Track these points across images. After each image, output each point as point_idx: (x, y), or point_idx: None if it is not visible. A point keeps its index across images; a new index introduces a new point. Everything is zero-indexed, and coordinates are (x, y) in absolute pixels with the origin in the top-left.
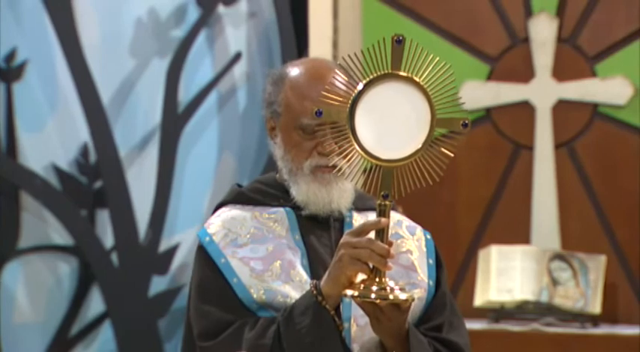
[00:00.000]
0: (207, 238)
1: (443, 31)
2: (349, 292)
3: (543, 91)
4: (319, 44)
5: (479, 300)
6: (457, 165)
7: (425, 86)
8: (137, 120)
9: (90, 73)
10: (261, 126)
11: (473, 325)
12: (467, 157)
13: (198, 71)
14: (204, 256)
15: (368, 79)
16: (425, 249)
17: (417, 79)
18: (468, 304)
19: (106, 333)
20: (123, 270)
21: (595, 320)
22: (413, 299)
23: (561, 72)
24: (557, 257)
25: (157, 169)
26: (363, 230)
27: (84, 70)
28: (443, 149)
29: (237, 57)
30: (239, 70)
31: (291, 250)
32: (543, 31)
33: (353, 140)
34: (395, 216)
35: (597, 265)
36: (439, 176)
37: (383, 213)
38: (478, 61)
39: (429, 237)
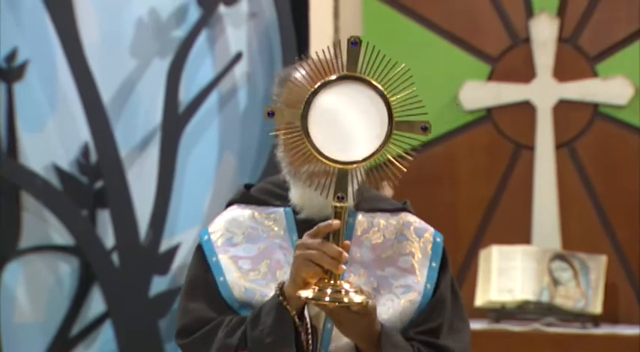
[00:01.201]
0: (206, 237)
1: (443, 31)
2: (303, 294)
3: (544, 91)
4: (320, 44)
5: (480, 300)
6: (458, 166)
7: (382, 88)
8: (138, 121)
9: (91, 73)
10: (262, 126)
11: (474, 325)
12: (467, 157)
13: (198, 71)
14: (200, 254)
15: (322, 81)
16: (430, 252)
17: (373, 82)
18: (469, 304)
19: (106, 333)
20: (123, 270)
21: (596, 320)
22: (367, 303)
23: (562, 72)
24: (558, 257)
25: (157, 169)
26: (318, 231)
27: (85, 70)
28: (401, 152)
29: (237, 57)
30: (240, 70)
31: (284, 250)
32: (544, 31)
33: (307, 142)
34: (406, 218)
35: (598, 265)
36: (398, 179)
37: (338, 215)
38: (479, 61)
39: (438, 239)
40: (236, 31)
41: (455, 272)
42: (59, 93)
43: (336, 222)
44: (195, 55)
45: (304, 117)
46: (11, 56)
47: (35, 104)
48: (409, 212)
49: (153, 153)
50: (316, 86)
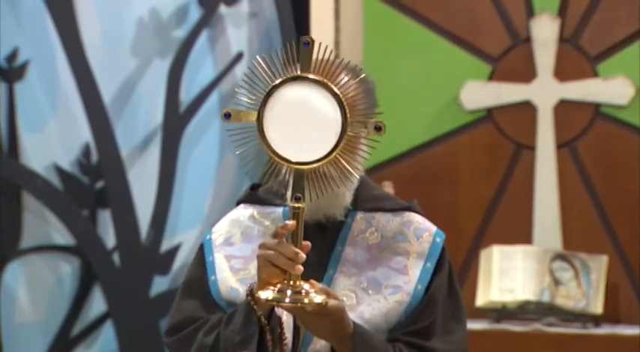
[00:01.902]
0: (208, 236)
1: (444, 32)
2: (263, 295)
3: (545, 91)
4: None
5: (481, 300)
6: (458, 166)
7: (335, 89)
8: (139, 121)
9: (91, 73)
10: None
11: (475, 325)
12: (468, 157)
13: (199, 71)
14: (200, 254)
15: (276, 82)
16: (426, 253)
17: (326, 82)
18: (470, 304)
19: (107, 333)
20: (124, 270)
21: (597, 320)
22: (326, 303)
23: (563, 72)
24: (559, 257)
25: (158, 169)
26: (277, 232)
27: (85, 70)
28: (356, 152)
29: (238, 57)
30: (240, 70)
31: None
32: (545, 31)
33: (262, 142)
34: (409, 217)
35: (599, 265)
36: (353, 178)
37: (296, 215)
38: (480, 61)
39: (438, 240)
40: (237, 31)
41: (456, 272)
42: (60, 93)
43: (291, 223)
44: (196, 55)
45: (260, 118)
46: (12, 56)
47: (36, 104)
48: (415, 212)
49: (154, 153)
50: (270, 87)
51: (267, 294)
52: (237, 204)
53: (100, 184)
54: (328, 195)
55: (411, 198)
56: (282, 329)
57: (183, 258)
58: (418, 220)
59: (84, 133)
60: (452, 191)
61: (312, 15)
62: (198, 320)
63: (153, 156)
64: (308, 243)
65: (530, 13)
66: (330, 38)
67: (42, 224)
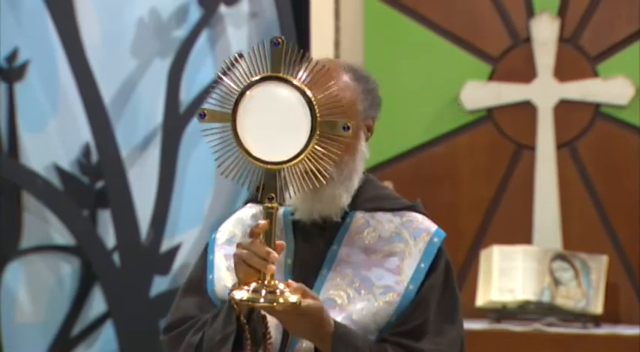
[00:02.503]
0: (213, 235)
1: (444, 32)
2: (238, 295)
3: (545, 91)
4: (321, 44)
5: (481, 300)
6: (459, 166)
7: (304, 88)
8: (139, 121)
9: (91, 73)
10: None
11: (475, 325)
12: (468, 157)
13: (199, 71)
14: (204, 252)
15: (249, 82)
16: (422, 253)
17: (296, 82)
18: (470, 304)
19: (107, 333)
20: (124, 270)
21: (597, 320)
22: (300, 303)
23: (563, 72)
24: (559, 257)
25: (158, 169)
26: (251, 232)
27: (85, 70)
28: (327, 151)
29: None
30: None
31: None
32: (545, 31)
33: (236, 142)
34: (410, 217)
35: (599, 265)
36: (325, 178)
37: (269, 215)
38: (480, 61)
39: (435, 240)
40: (237, 31)
41: (456, 272)
42: (60, 94)
43: (263, 223)
44: (196, 55)
45: (233, 118)
46: (12, 56)
47: (36, 104)
48: (417, 211)
49: (154, 153)
50: (243, 87)
51: (241, 294)
52: (245, 203)
53: (100, 184)
54: (323, 196)
55: (411, 198)
56: (266, 327)
57: (183, 258)
58: (418, 220)
59: (84, 133)
60: (452, 191)
61: (312, 15)
62: (192, 319)
63: (153, 156)
64: (282, 243)
65: (530, 13)
66: (330, 38)
67: (42, 224)
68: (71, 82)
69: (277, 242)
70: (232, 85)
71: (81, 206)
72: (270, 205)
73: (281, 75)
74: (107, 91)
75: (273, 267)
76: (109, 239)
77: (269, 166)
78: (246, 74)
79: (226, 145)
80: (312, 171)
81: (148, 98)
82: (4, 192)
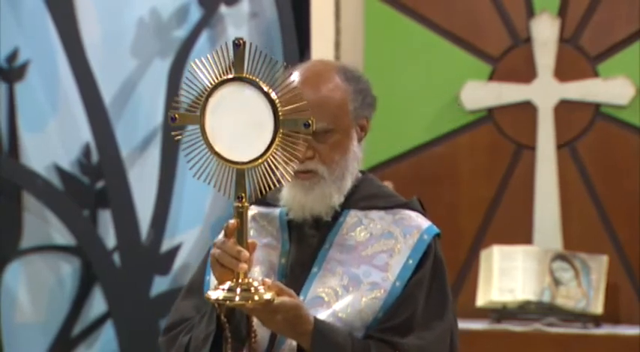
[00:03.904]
0: (217, 237)
1: (445, 32)
2: (213, 295)
3: (545, 91)
4: (321, 45)
5: (481, 300)
6: (459, 166)
7: (266, 88)
8: (139, 121)
9: (92, 73)
10: None
11: (474, 325)
12: (469, 158)
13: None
14: (206, 255)
15: (214, 83)
16: (410, 250)
17: (257, 81)
18: (470, 304)
19: (107, 333)
20: (125, 270)
21: (597, 320)
22: (273, 300)
23: (563, 72)
24: (559, 257)
25: (158, 169)
26: (225, 231)
27: (86, 70)
28: (291, 149)
29: None
30: None
31: (269, 249)
32: (545, 31)
33: (205, 143)
34: (402, 214)
35: (599, 265)
36: (290, 176)
37: (239, 214)
38: (480, 61)
39: (425, 237)
40: (237, 31)
41: (456, 272)
42: (60, 94)
43: (232, 222)
44: (197, 55)
45: (201, 120)
46: (12, 56)
47: (36, 104)
48: (411, 209)
49: (154, 153)
50: (210, 89)
51: (217, 294)
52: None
53: (100, 184)
54: (315, 195)
55: (412, 197)
56: (251, 326)
57: (183, 258)
58: (411, 217)
59: (84, 133)
60: (452, 191)
61: (312, 15)
62: (189, 320)
63: (153, 156)
64: (254, 242)
65: (531, 13)
66: (331, 39)
67: (42, 224)
68: (71, 82)
69: (250, 241)
70: (200, 87)
71: (81, 206)
72: (240, 205)
73: (244, 75)
74: (107, 91)
75: (244, 266)
76: (110, 239)
77: (237, 166)
78: (213, 76)
79: (197, 147)
80: (276, 169)
81: (149, 98)
82: (5, 192)
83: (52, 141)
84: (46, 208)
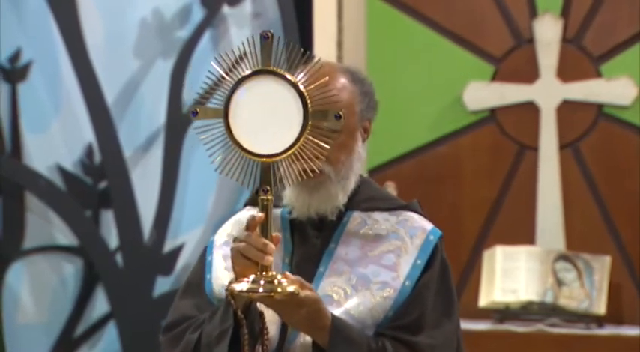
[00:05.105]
0: (212, 238)
1: (447, 32)
2: (237, 287)
3: (548, 92)
4: (324, 45)
5: (483, 301)
6: (461, 166)
7: (295, 81)
8: (142, 121)
9: (94, 74)
10: None
11: (477, 325)
12: (471, 158)
13: (202, 72)
14: (202, 254)
15: (240, 76)
16: (418, 250)
17: (286, 74)
18: (473, 304)
19: (110, 334)
20: (127, 271)
21: (600, 320)
22: (298, 292)
23: (566, 72)
24: (562, 257)
25: (161, 170)
26: (247, 224)
27: (88, 70)
28: (319, 141)
29: (241, 58)
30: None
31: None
32: (548, 32)
33: (229, 137)
34: (405, 216)
35: (602, 266)
36: (319, 168)
37: (264, 207)
38: (482, 61)
39: (431, 237)
40: (240, 32)
41: (458, 272)
42: (63, 94)
43: (259, 215)
44: (199, 56)
45: (225, 113)
46: (15, 57)
47: (39, 105)
48: (413, 211)
49: (157, 153)
50: (234, 82)
51: (241, 286)
52: (245, 205)
53: (102, 185)
54: (320, 195)
55: (414, 198)
56: (263, 323)
57: (186, 259)
58: (414, 218)
59: (87, 134)
60: (455, 191)
61: (314, 15)
62: (191, 318)
63: (156, 156)
64: (278, 235)
65: (533, 13)
66: (333, 38)
67: (45, 224)
68: (74, 82)
69: (273, 234)
70: (224, 81)
71: (84, 206)
72: (265, 197)
73: (271, 68)
74: (110, 92)
75: (270, 259)
76: (112, 239)
77: (263, 159)
78: (237, 70)
79: (220, 141)
80: (306, 163)
81: (151, 98)
82: (7, 192)
83: (55, 142)
84: (49, 208)
